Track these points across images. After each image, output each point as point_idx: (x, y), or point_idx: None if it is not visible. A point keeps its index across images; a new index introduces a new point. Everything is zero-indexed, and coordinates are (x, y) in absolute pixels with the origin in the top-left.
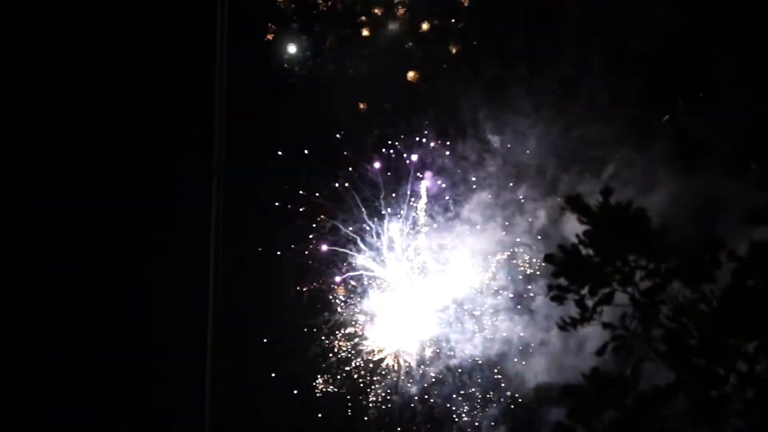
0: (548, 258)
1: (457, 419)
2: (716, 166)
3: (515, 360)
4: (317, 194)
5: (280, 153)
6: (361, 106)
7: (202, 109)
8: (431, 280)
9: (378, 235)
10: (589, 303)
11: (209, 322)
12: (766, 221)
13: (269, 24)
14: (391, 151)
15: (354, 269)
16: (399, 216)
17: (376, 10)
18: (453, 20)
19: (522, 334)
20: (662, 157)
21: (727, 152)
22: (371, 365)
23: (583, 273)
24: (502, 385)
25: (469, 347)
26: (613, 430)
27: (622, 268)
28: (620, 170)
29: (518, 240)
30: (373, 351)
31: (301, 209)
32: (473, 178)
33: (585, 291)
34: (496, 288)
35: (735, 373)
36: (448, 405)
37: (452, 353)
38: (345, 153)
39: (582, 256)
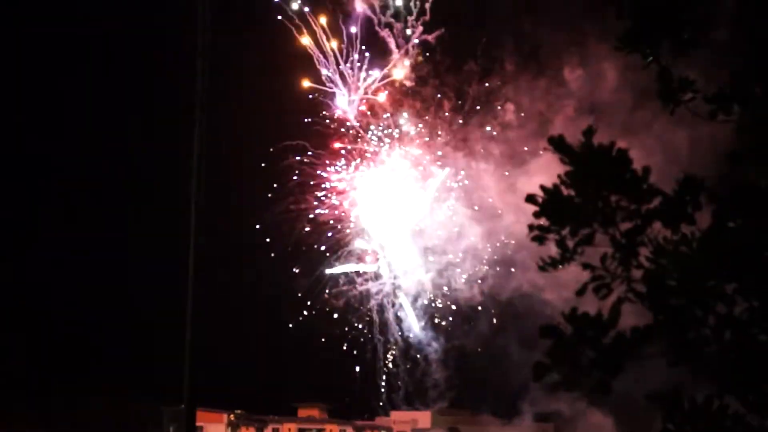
0: (529, 198)
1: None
2: (699, 107)
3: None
4: None
5: None
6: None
7: None
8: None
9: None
10: (570, 243)
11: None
12: (748, 163)
13: None
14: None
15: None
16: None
17: None
18: None
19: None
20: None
21: (710, 94)
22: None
23: (564, 213)
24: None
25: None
26: (590, 370)
27: (604, 208)
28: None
29: None
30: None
31: None
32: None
33: (566, 231)
34: None
35: (713, 315)
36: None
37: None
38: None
39: (563, 197)
